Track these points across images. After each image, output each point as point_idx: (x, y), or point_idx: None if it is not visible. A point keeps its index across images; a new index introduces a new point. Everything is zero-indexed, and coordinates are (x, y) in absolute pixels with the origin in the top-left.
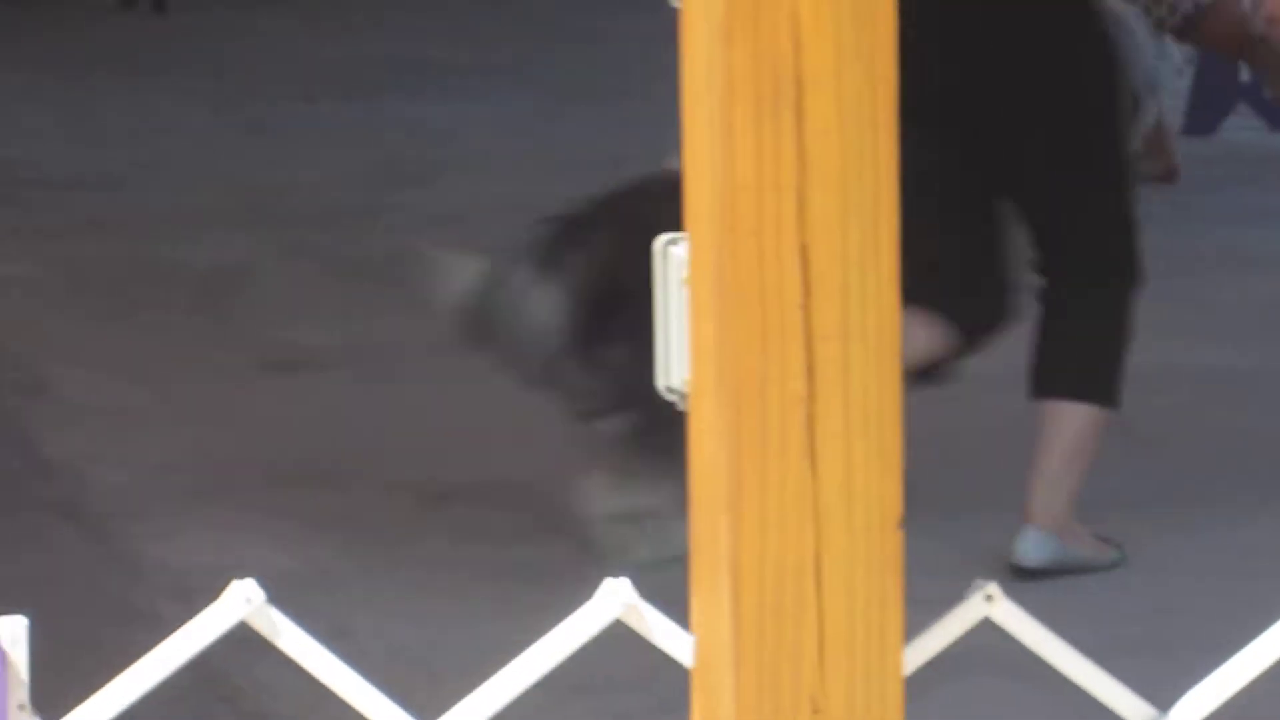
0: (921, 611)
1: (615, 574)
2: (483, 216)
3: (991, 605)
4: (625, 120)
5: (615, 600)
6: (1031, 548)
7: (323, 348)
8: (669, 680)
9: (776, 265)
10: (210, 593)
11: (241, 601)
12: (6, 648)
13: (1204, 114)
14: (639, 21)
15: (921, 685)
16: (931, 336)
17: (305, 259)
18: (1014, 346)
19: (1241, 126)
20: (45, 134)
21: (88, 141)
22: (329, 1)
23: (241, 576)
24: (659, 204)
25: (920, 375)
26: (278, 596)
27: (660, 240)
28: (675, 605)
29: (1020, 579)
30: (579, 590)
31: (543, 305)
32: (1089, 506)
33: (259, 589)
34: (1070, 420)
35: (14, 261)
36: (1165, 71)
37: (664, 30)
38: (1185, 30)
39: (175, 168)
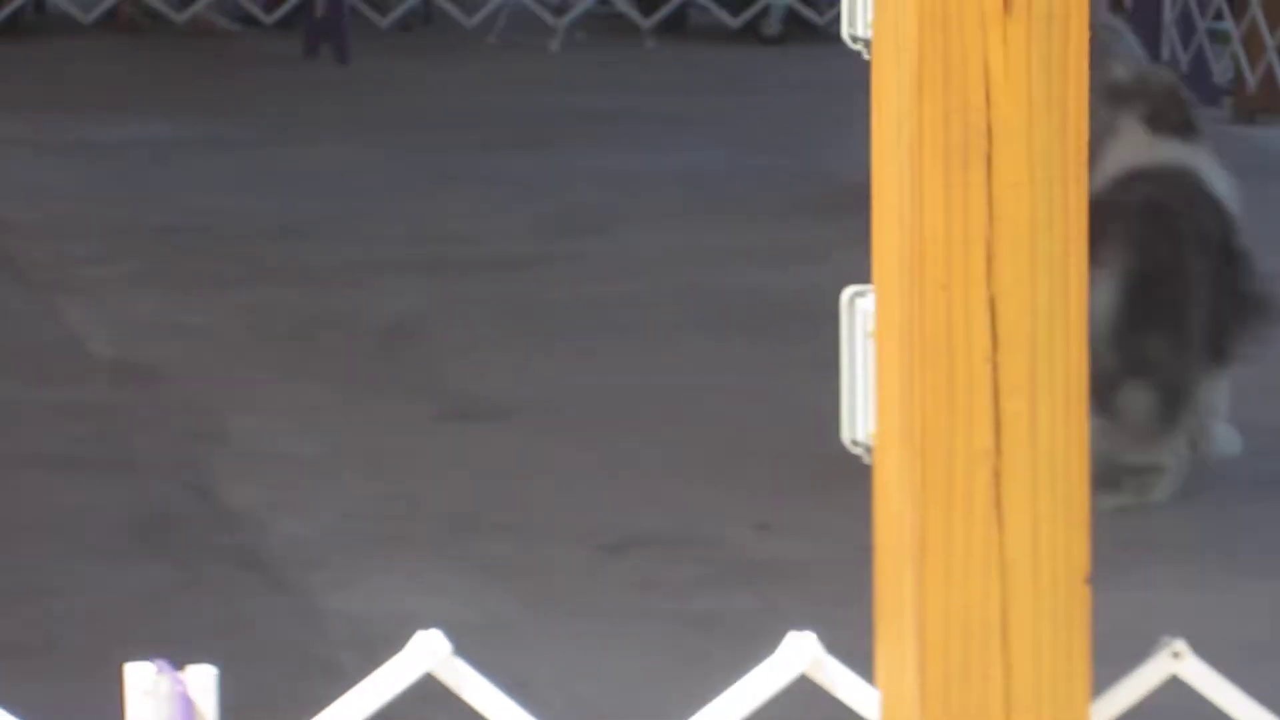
0: (1108, 667)
1: (799, 628)
2: (661, 266)
3: (1179, 662)
4: (804, 170)
5: (801, 654)
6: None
7: (501, 397)
8: None
9: (965, 319)
10: (390, 642)
11: (427, 653)
12: (195, 697)
13: None
14: (820, 72)
15: None
16: None
17: (484, 308)
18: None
19: None
20: (228, 183)
21: (270, 191)
22: (508, 53)
23: (420, 627)
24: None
25: None
26: (457, 647)
27: (847, 292)
28: (858, 660)
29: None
30: (762, 643)
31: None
32: (1260, 557)
33: (445, 640)
34: None
35: (196, 311)
36: None
37: (851, 80)
38: None
39: (355, 217)
